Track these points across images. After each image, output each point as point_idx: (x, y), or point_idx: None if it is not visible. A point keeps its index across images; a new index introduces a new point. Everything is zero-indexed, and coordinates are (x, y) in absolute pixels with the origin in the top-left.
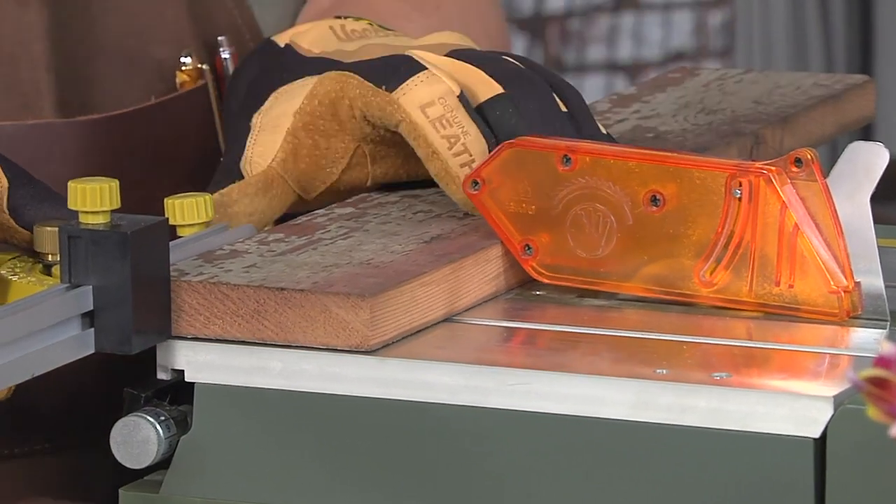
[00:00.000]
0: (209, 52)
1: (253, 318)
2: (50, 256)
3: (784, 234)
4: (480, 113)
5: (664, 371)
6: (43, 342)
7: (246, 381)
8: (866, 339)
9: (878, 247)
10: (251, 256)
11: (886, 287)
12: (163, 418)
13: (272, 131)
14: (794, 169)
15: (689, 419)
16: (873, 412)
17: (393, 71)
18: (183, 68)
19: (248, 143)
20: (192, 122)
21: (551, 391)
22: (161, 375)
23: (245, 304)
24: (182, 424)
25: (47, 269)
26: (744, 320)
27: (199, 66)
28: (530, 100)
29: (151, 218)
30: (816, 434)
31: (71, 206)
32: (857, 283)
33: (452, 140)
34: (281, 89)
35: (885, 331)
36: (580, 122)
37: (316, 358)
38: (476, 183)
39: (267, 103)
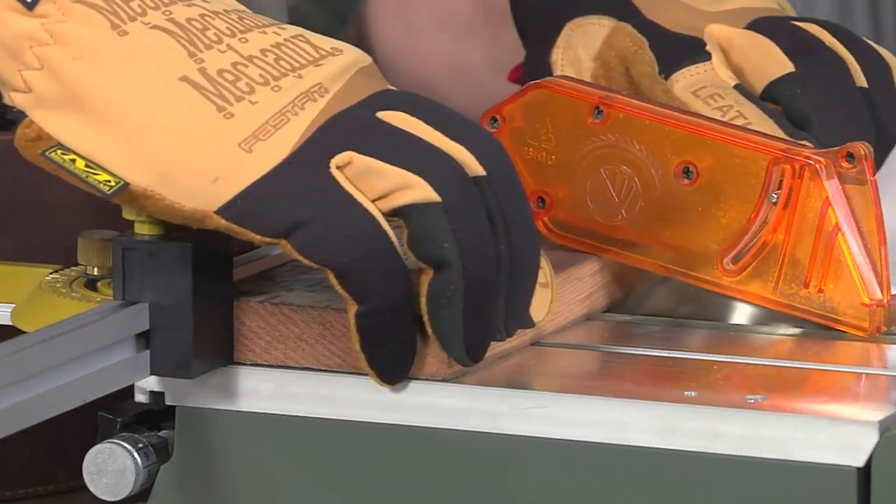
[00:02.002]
0: None
1: (318, 342)
2: (95, 270)
3: (822, 232)
4: (769, 92)
5: (693, 393)
6: (95, 365)
7: (232, 405)
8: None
9: None
10: (317, 273)
11: None
12: (141, 445)
13: (576, 76)
14: (845, 164)
15: (720, 446)
16: None
17: (679, 53)
18: None
19: None
20: None
21: (569, 416)
22: (139, 398)
23: (309, 328)
24: (162, 452)
25: (91, 284)
26: (780, 338)
27: None
28: (820, 78)
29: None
30: (860, 463)
31: (126, 215)
32: (894, 297)
33: (725, 109)
34: (576, 21)
35: None
36: (876, 100)
37: (309, 380)
38: (495, 120)
39: (563, 36)
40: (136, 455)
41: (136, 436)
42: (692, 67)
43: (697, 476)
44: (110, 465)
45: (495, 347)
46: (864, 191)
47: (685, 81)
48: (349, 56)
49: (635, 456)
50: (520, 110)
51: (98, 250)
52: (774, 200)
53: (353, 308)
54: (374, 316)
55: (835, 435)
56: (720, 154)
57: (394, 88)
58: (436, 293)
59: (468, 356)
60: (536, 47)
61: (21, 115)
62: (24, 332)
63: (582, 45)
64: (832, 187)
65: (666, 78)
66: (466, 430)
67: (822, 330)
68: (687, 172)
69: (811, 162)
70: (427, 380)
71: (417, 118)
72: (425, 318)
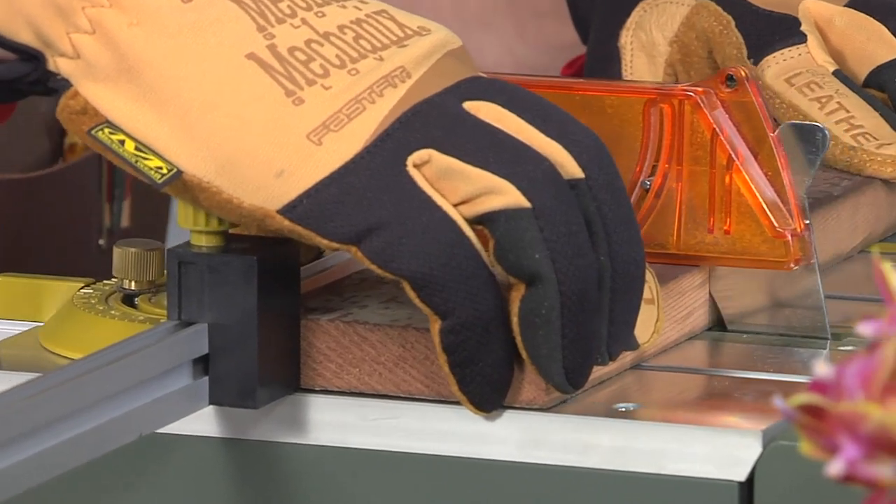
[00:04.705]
0: None
1: (397, 366)
2: (133, 284)
3: (716, 168)
4: (874, 79)
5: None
6: (149, 395)
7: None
8: (802, 360)
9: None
10: (390, 287)
11: (827, 298)
12: None
13: (649, 61)
14: (726, 90)
15: (589, 460)
16: (806, 447)
17: (770, 34)
18: None
19: (623, 69)
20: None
21: (423, 427)
22: None
23: (387, 349)
24: None
25: (129, 300)
26: (652, 339)
27: None
28: None
29: (273, 237)
30: (742, 477)
31: (182, 223)
32: (808, 226)
33: (824, 100)
34: (648, 1)
35: (825, 351)
36: None
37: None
38: None
39: (634, 17)
40: None
41: None
42: (785, 51)
43: (563, 492)
44: None
45: (594, 372)
46: (753, 112)
47: (777, 67)
48: (437, 37)
49: (494, 471)
50: None
51: (135, 262)
52: (647, 187)
53: (436, 324)
54: (461, 332)
55: (714, 447)
56: (591, 108)
57: (484, 75)
58: (529, 311)
59: (568, 382)
60: (602, 32)
61: (66, 82)
62: (51, 353)
63: (657, 27)
64: (718, 118)
65: (755, 63)
66: (306, 444)
67: (706, 331)
68: None
69: (691, 94)
70: (523, 408)
71: (509, 110)
72: (518, 339)
